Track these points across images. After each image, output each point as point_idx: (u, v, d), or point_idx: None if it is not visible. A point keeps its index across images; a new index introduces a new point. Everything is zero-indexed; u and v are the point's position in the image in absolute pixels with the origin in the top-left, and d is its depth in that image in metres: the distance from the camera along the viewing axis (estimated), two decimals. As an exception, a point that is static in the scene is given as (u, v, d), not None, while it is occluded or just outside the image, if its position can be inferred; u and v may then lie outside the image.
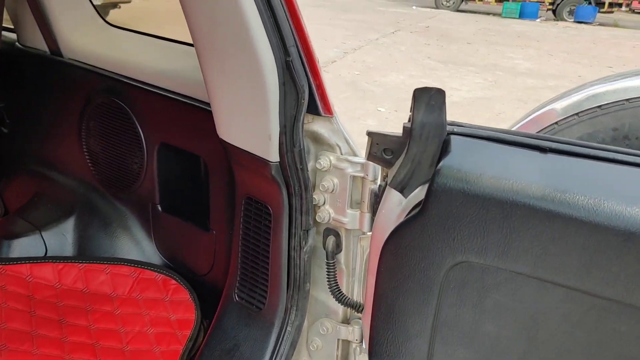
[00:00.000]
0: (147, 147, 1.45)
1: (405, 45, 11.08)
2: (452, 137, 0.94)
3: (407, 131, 0.94)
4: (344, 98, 6.96)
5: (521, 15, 17.31)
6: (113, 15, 9.94)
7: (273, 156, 1.10)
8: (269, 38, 0.99)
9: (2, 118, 1.79)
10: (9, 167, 1.82)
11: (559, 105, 1.37)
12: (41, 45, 1.64)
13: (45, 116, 1.71)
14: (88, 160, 1.61)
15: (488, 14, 18.29)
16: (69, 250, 1.61)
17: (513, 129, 1.47)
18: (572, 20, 17.07)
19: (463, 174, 0.89)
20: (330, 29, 12.28)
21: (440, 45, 11.40)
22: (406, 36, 12.26)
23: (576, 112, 1.34)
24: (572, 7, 17.21)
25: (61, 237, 1.59)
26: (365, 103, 6.84)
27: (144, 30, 1.63)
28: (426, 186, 0.93)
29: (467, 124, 0.97)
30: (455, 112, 6.69)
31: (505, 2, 17.97)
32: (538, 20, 17.12)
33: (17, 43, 1.73)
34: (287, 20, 1.00)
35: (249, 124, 1.09)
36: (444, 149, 0.93)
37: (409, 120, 0.96)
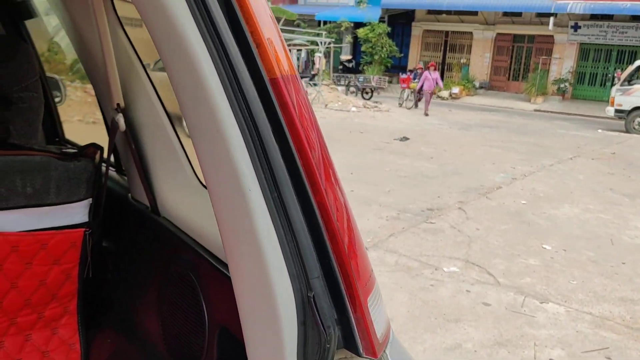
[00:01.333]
0: (209, 329, 1.33)
1: (584, 173, 10.15)
2: None
3: None
4: (504, 230, 6.42)
5: None
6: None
7: None
8: (287, 266, 0.80)
9: (107, 263, 1.83)
10: (103, 315, 1.83)
11: None
12: (145, 200, 1.66)
13: (135, 271, 1.71)
14: (160, 328, 1.54)
15: (692, 140, 16.27)
16: None
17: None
18: None
19: None
20: (500, 152, 11.84)
21: (627, 175, 10.24)
22: (586, 163, 11.28)
23: None
24: None
25: None
26: (528, 238, 6.22)
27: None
28: None
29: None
30: (638, 259, 5.75)
31: None
32: None
33: (129, 194, 1.78)
34: (323, 239, 0.81)
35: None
36: None
37: None
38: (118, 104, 1.54)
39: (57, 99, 2.95)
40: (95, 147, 1.67)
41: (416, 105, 19.90)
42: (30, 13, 2.48)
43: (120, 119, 1.52)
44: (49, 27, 3.51)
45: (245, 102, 0.78)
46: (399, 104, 20.53)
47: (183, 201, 1.56)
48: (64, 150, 1.64)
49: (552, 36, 24.83)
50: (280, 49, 0.85)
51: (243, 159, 0.78)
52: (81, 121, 7.99)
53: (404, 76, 21.16)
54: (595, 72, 24.87)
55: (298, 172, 0.81)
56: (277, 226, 0.80)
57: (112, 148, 1.63)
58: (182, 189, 1.58)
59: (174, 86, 0.85)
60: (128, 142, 1.57)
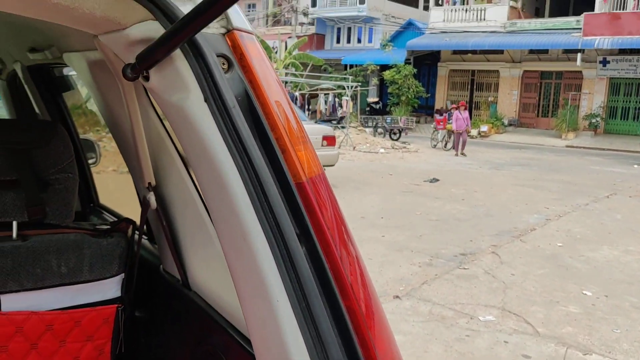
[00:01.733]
0: None
1: (622, 212, 9.86)
2: None
3: None
4: (541, 275, 6.24)
5: None
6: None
7: None
8: None
9: (139, 335, 1.83)
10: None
11: None
12: (176, 273, 1.67)
13: (166, 345, 1.70)
14: None
15: None
16: None
17: None
18: None
19: None
20: (532, 192, 11.64)
21: (667, 213, 9.92)
22: (623, 201, 10.98)
23: None
24: None
25: None
26: (566, 283, 6.03)
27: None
28: None
29: None
30: (686, 305, 5.50)
31: None
32: None
33: (161, 266, 1.80)
34: (354, 348, 0.79)
35: None
36: None
37: None
38: (149, 183, 1.57)
39: (91, 161, 3.02)
40: (127, 221, 1.70)
41: (446, 146, 19.59)
42: (68, 86, 2.59)
43: (152, 197, 1.55)
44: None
45: (271, 211, 0.79)
46: (433, 145, 20.07)
47: (214, 277, 1.56)
48: (97, 227, 1.68)
49: (580, 72, 24.66)
50: (302, 149, 0.86)
51: (270, 271, 0.78)
52: (115, 171, 8.21)
53: (439, 117, 20.11)
54: (628, 106, 24.47)
55: (326, 276, 0.81)
56: (306, 337, 0.79)
57: (144, 223, 1.66)
58: (212, 265, 1.59)
59: (203, 194, 0.87)
60: (159, 218, 1.60)
